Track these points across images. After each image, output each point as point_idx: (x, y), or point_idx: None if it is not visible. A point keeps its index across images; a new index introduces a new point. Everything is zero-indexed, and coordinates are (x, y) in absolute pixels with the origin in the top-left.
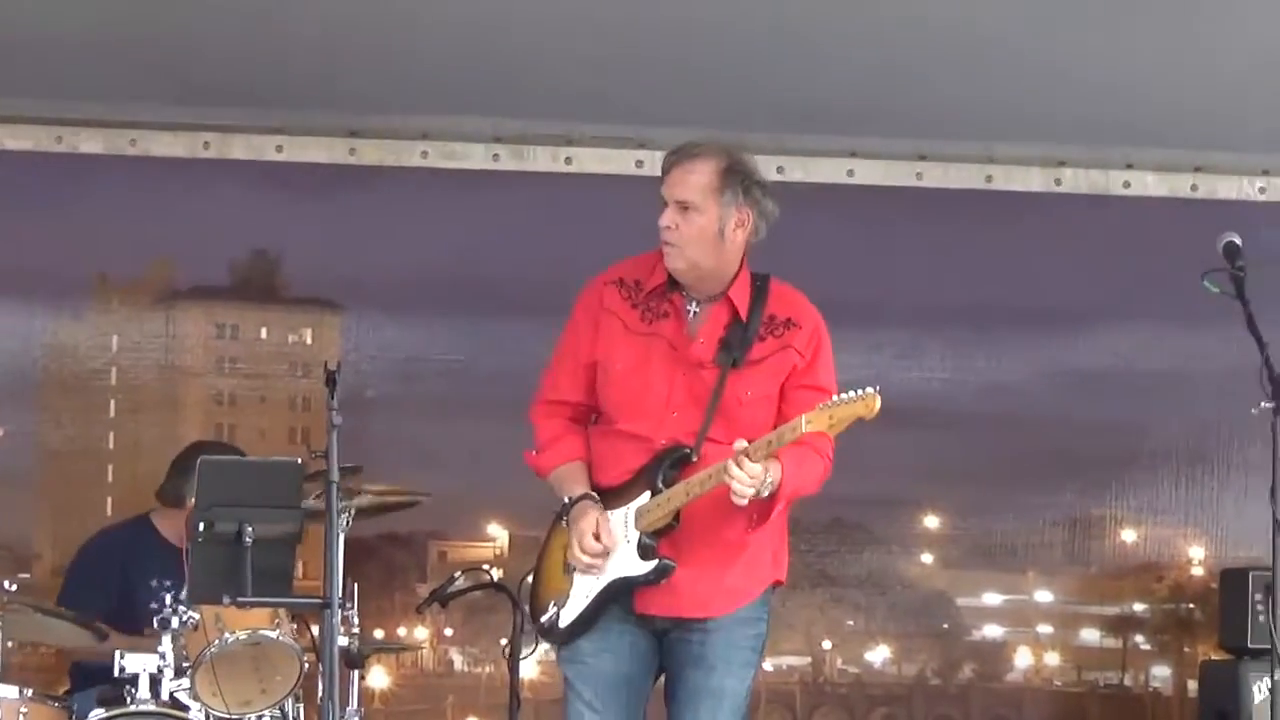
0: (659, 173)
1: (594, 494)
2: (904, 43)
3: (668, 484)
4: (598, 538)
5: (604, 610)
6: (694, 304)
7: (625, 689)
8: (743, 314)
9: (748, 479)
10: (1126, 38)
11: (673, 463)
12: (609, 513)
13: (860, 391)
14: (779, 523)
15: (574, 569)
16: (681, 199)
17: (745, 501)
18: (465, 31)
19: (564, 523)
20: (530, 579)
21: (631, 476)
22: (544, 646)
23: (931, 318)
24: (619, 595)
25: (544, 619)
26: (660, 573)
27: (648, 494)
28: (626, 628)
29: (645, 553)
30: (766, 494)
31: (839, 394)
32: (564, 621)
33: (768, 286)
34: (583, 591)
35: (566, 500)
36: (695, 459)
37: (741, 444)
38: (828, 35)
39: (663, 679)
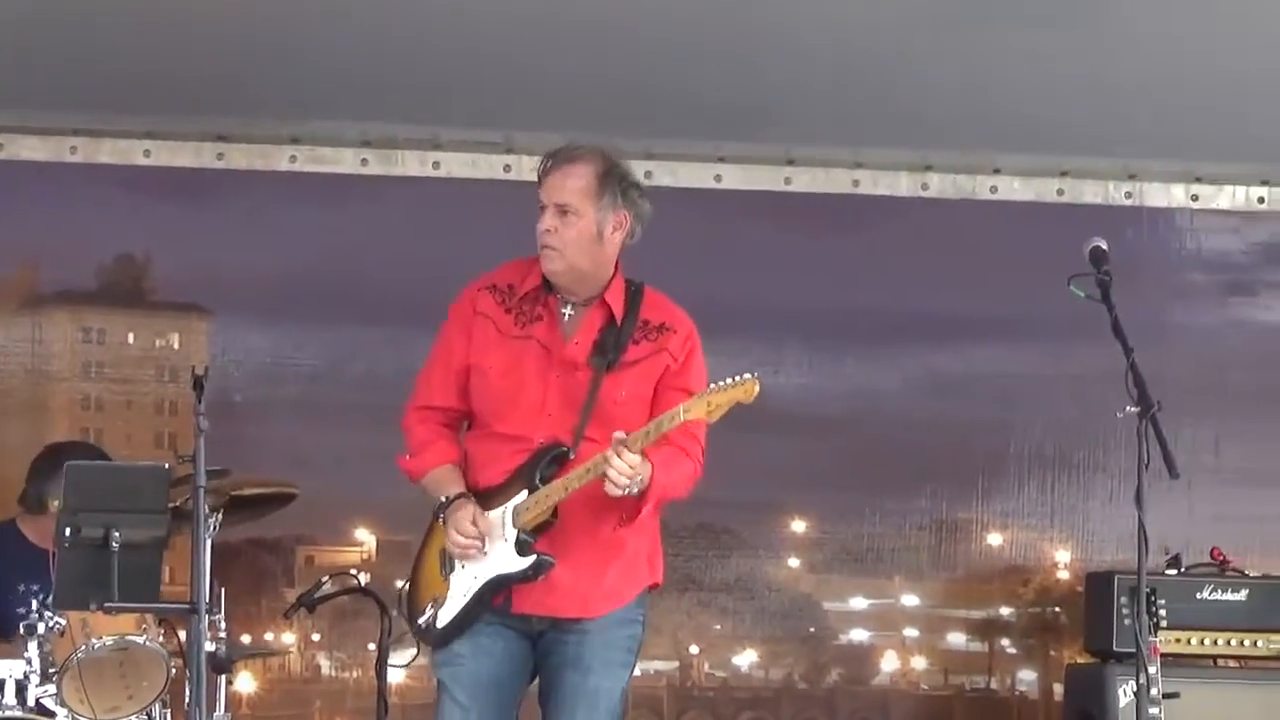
0: (527, 177)
1: (468, 493)
2: (771, 47)
3: (545, 481)
4: (474, 523)
5: (481, 611)
6: (568, 307)
7: (498, 690)
8: (618, 317)
9: (626, 469)
10: (993, 41)
11: (551, 460)
12: (488, 512)
13: (739, 377)
14: (653, 526)
15: (451, 571)
16: (560, 202)
17: (620, 493)
18: (333, 35)
19: (441, 522)
20: (406, 585)
21: (510, 476)
22: (411, 653)
23: (797, 322)
24: (497, 593)
25: (421, 620)
26: (538, 568)
27: (525, 492)
28: (501, 630)
29: (523, 549)
30: (636, 491)
31: (716, 382)
32: (441, 622)
33: (642, 292)
34: (460, 590)
35: (442, 500)
36: (573, 456)
37: (620, 435)
38: (695, 40)
39: (536, 682)
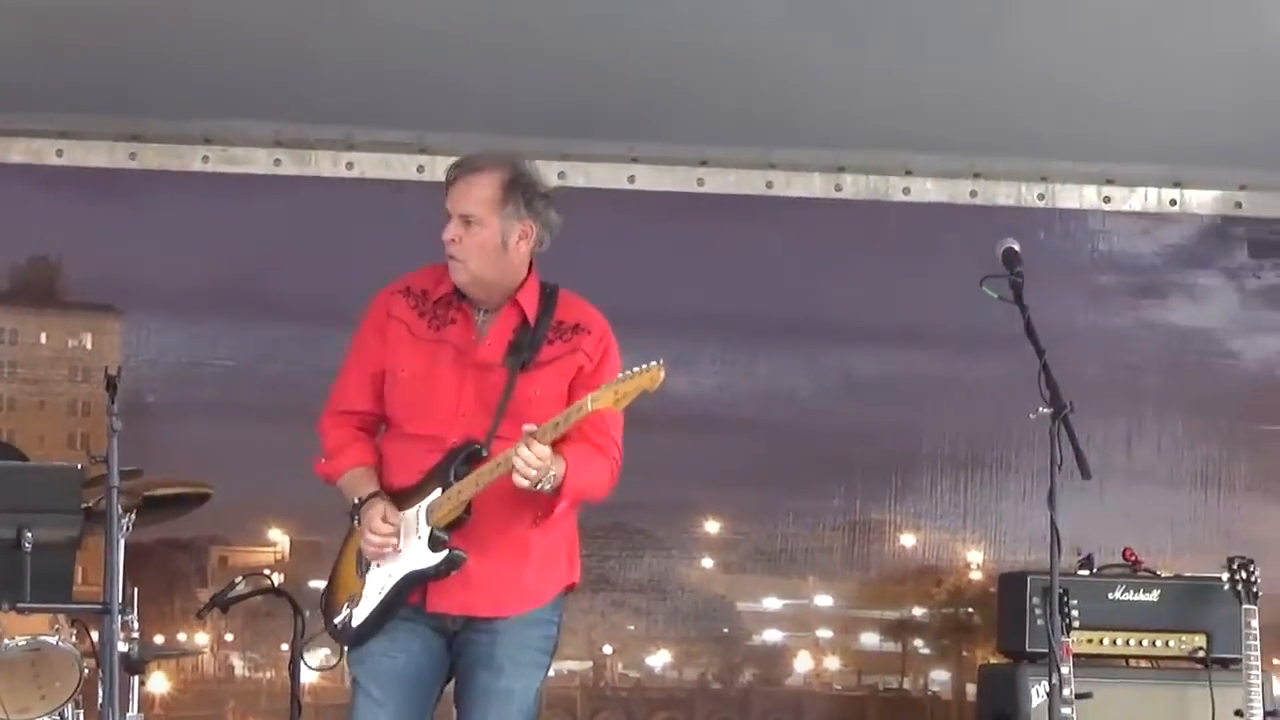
0: (440, 178)
1: (382, 493)
2: (683, 47)
3: (459, 479)
4: (386, 520)
5: (395, 609)
6: (481, 312)
7: (413, 687)
8: (530, 318)
9: (534, 459)
10: (906, 43)
11: (465, 459)
12: (402, 511)
13: (644, 365)
14: (571, 526)
15: (367, 570)
16: (464, 213)
17: (527, 484)
18: (246, 35)
19: (355, 523)
20: (327, 584)
21: (424, 476)
22: (324, 653)
23: (711, 322)
24: (411, 589)
25: (337, 620)
26: (450, 563)
27: (439, 490)
28: (417, 628)
29: (435, 544)
30: (549, 487)
31: (648, 365)
32: (356, 620)
33: (556, 295)
34: (376, 588)
35: (356, 501)
36: (486, 454)
37: (530, 427)
38: (606, 40)
39: (453, 682)
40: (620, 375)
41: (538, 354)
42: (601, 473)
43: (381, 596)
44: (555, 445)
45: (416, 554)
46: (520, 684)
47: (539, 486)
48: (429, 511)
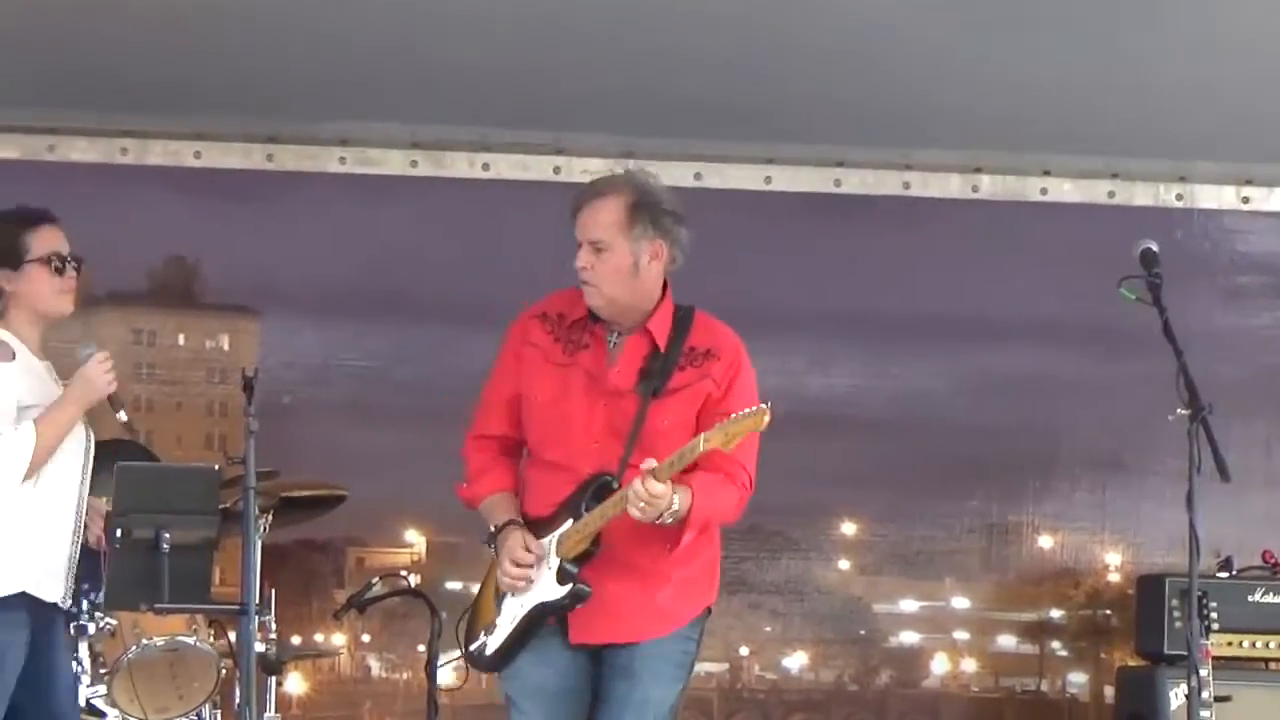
0: (577, 179)
1: (519, 520)
2: (822, 48)
3: (589, 512)
4: (526, 549)
5: (528, 638)
6: (614, 335)
7: (563, 701)
8: (661, 344)
9: (649, 496)
10: (1043, 43)
11: (595, 492)
12: (543, 539)
13: (752, 409)
14: (714, 552)
15: (502, 600)
16: (593, 239)
17: (640, 517)
18: (383, 37)
19: (493, 550)
20: (468, 612)
21: (557, 508)
22: (457, 652)
23: (846, 324)
24: (542, 619)
25: (473, 647)
26: (575, 597)
27: (570, 521)
28: (563, 644)
29: (563, 578)
30: (670, 520)
31: (748, 409)
32: (490, 649)
33: (691, 318)
34: (509, 618)
35: (493, 528)
36: (616, 486)
37: (650, 463)
38: (747, 41)
39: None
40: (732, 416)
41: (668, 381)
42: (729, 500)
43: (514, 626)
44: (686, 472)
45: (545, 586)
46: (656, 694)
47: (659, 520)
48: (559, 543)
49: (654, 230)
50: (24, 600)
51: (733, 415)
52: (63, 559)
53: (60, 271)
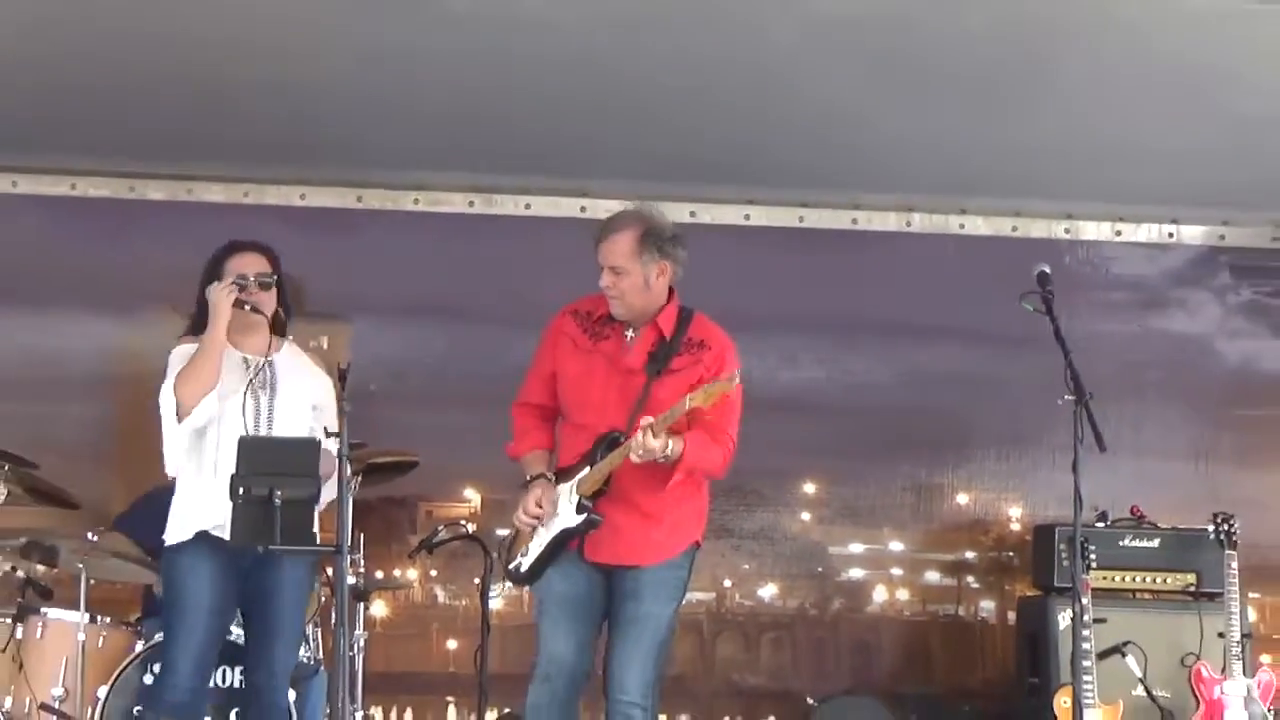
0: (599, 216)
1: (547, 475)
2: (793, 123)
3: (601, 460)
4: (538, 504)
5: (554, 557)
6: (630, 330)
7: (581, 607)
8: (667, 335)
9: (643, 445)
10: (960, 112)
11: (607, 444)
12: (560, 485)
13: (726, 377)
14: (701, 498)
15: (534, 530)
16: (612, 265)
17: (637, 460)
18: (449, 108)
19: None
20: (508, 537)
21: (579, 458)
22: (505, 585)
23: (810, 329)
24: (564, 542)
25: (512, 565)
26: (588, 524)
27: (588, 468)
28: (582, 565)
29: (579, 509)
30: (665, 460)
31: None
32: (524, 567)
33: (691, 317)
34: (539, 543)
35: (528, 478)
36: (623, 440)
37: (648, 419)
38: (735, 104)
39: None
40: (712, 381)
41: (669, 364)
42: (714, 455)
43: (543, 548)
44: (682, 430)
45: (566, 515)
46: (656, 610)
47: (659, 459)
48: (578, 484)
49: (659, 254)
50: (204, 540)
51: (712, 381)
52: None
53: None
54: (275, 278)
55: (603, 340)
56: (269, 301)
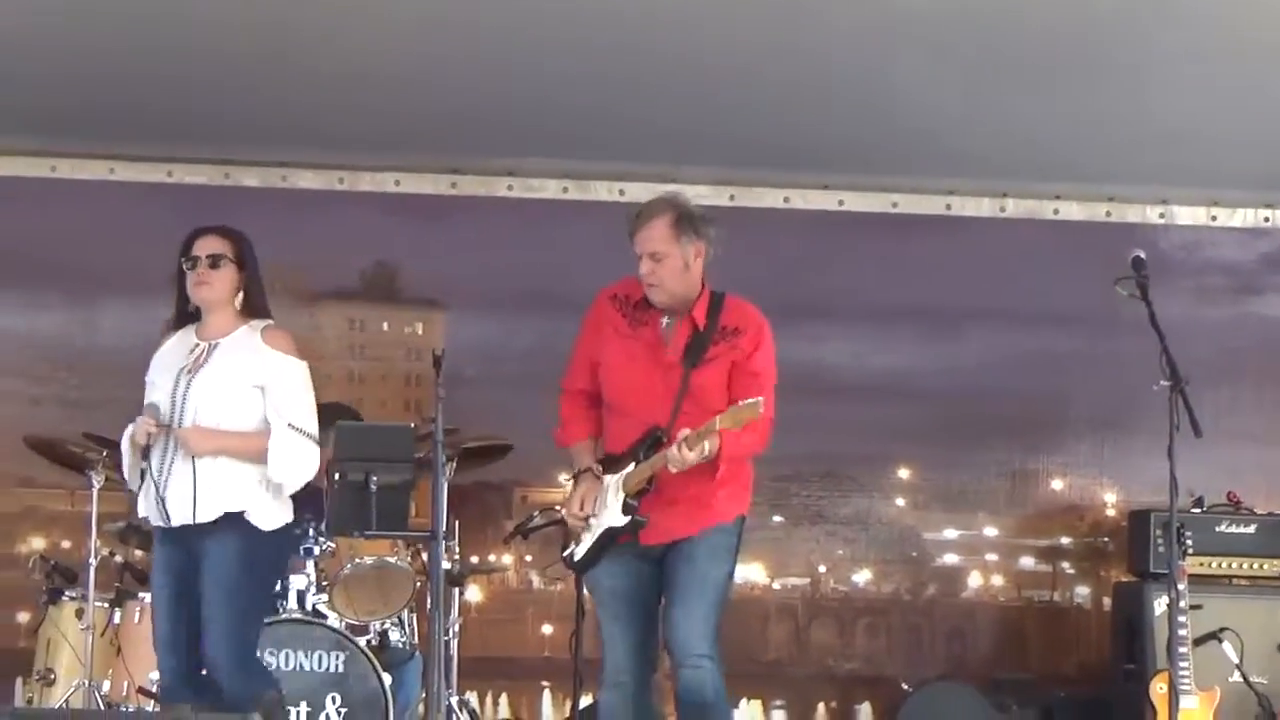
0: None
1: (594, 468)
2: (878, 107)
3: (646, 458)
4: (582, 506)
5: (603, 552)
6: (666, 318)
7: (632, 601)
8: (701, 326)
9: (679, 459)
10: (1056, 99)
11: (651, 442)
12: (607, 476)
13: (752, 400)
14: (745, 473)
15: (593, 519)
16: (651, 251)
17: (676, 470)
18: (543, 94)
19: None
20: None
21: (625, 451)
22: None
23: (902, 315)
24: (612, 540)
25: (565, 553)
26: (634, 526)
27: (632, 465)
28: (632, 558)
29: (626, 510)
30: (704, 459)
31: (749, 398)
32: (576, 557)
33: (722, 302)
34: (590, 535)
35: (577, 471)
36: (666, 439)
37: (685, 432)
38: (831, 91)
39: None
40: (736, 405)
41: (705, 354)
42: (751, 439)
43: (592, 541)
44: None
45: (613, 514)
46: (712, 572)
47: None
48: (624, 481)
49: (695, 235)
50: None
51: (738, 403)
52: None
53: (192, 269)
54: (217, 259)
55: (642, 327)
56: (219, 281)
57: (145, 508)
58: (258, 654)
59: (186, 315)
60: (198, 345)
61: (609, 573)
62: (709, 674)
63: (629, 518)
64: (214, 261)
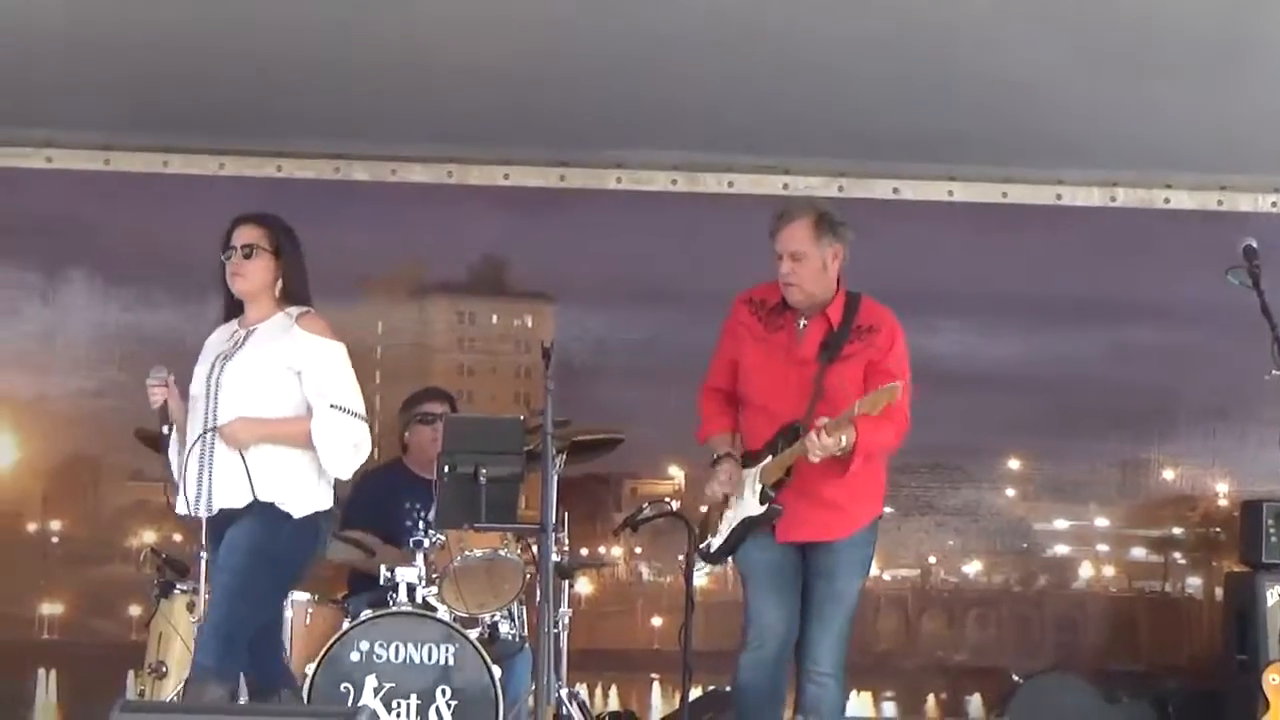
0: (801, 192)
1: (734, 454)
2: (986, 96)
3: (782, 451)
4: (723, 482)
5: (740, 541)
6: (802, 320)
7: (783, 575)
8: (835, 324)
9: (818, 445)
10: (1167, 87)
11: (788, 437)
12: (746, 470)
13: (890, 385)
14: (879, 476)
15: (729, 511)
16: (792, 250)
17: (816, 459)
18: (651, 88)
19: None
20: (703, 517)
21: (763, 445)
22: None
23: (1011, 306)
24: (747, 530)
25: (703, 545)
26: (770, 514)
27: (770, 458)
28: (776, 543)
29: (763, 499)
30: (841, 453)
31: (886, 384)
32: (713, 548)
33: (859, 303)
34: (727, 524)
35: (715, 458)
36: (803, 431)
37: (823, 420)
38: (940, 82)
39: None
40: (877, 390)
41: (840, 351)
42: (887, 434)
43: (730, 531)
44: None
45: (750, 504)
46: (848, 589)
47: (835, 454)
48: (761, 473)
49: (833, 238)
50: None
51: (877, 389)
52: None
53: (228, 260)
54: (251, 249)
55: (777, 331)
56: (254, 271)
57: (182, 504)
58: (244, 636)
59: (234, 306)
60: (236, 332)
61: (760, 546)
62: (830, 692)
63: (766, 506)
64: (248, 252)
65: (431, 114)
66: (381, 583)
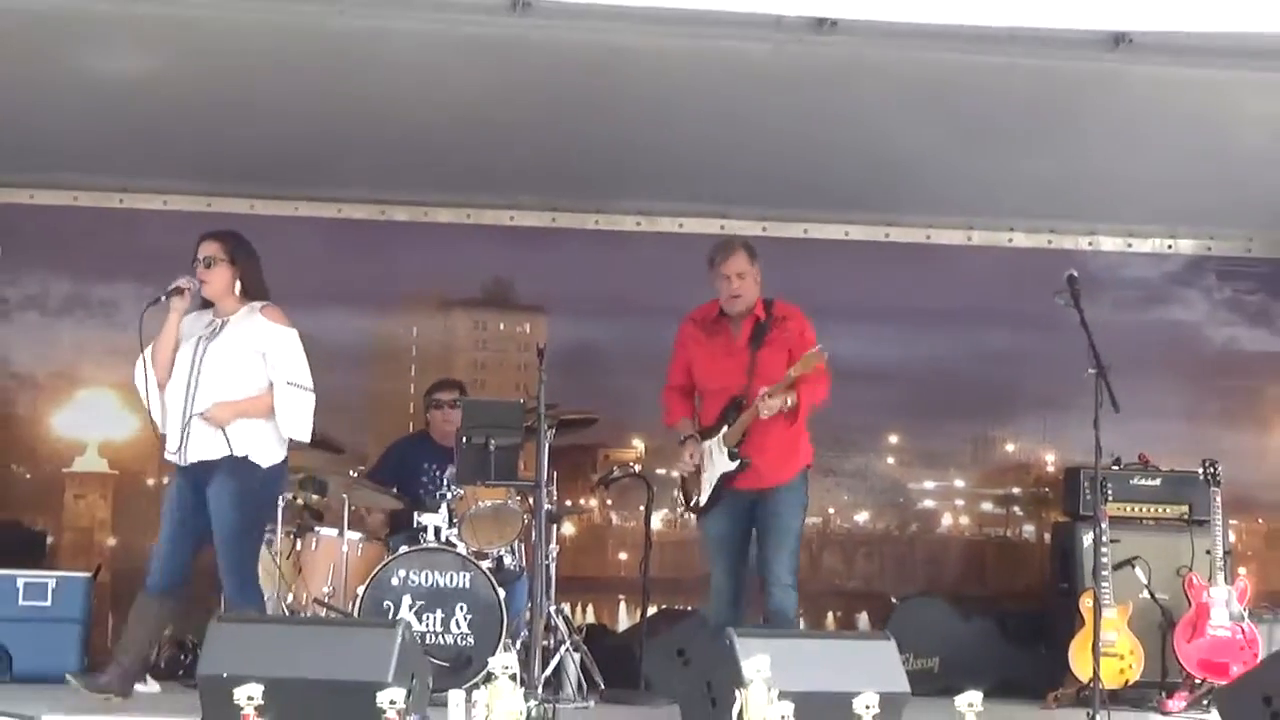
0: (731, 232)
1: (694, 434)
2: (881, 160)
3: (733, 420)
4: (692, 455)
5: (720, 495)
6: (734, 323)
7: (731, 544)
8: (761, 319)
9: (767, 405)
10: (1011, 154)
11: (735, 408)
12: (707, 440)
13: (815, 349)
14: (805, 432)
15: (704, 475)
16: (738, 271)
17: (768, 415)
18: (623, 151)
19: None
20: (682, 484)
21: (716, 419)
22: (663, 512)
23: (892, 317)
24: (725, 483)
25: (691, 503)
26: (742, 466)
27: (726, 427)
28: (730, 500)
29: (732, 457)
30: (785, 410)
31: (810, 350)
32: (702, 503)
33: (773, 304)
34: (707, 485)
35: (681, 439)
36: (745, 403)
37: (765, 389)
38: (840, 152)
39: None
40: (805, 354)
41: (765, 339)
42: (821, 390)
43: (710, 488)
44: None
45: (721, 463)
46: (793, 523)
47: (782, 411)
48: (724, 439)
49: (757, 260)
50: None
51: (806, 354)
52: None
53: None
54: (210, 260)
55: (716, 335)
56: (214, 278)
57: (169, 452)
58: (253, 568)
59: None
60: (213, 320)
61: (713, 516)
62: (790, 597)
63: (737, 462)
64: (209, 262)
65: (455, 171)
66: (414, 526)
